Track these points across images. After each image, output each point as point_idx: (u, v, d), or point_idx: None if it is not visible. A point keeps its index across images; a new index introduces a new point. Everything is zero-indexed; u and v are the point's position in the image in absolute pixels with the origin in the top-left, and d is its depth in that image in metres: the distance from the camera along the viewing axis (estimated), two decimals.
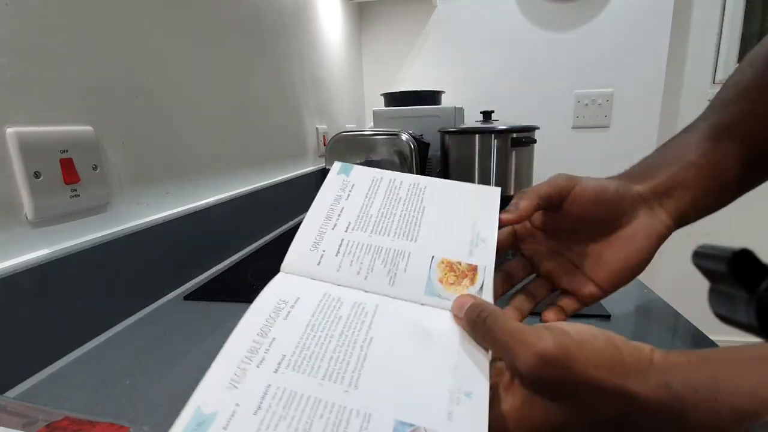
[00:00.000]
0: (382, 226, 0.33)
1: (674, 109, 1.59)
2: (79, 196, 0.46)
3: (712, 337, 0.42)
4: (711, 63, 1.55)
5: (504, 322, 0.24)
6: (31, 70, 0.42)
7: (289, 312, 0.28)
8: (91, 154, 0.48)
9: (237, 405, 0.22)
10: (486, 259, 0.31)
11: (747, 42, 1.52)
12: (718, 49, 1.53)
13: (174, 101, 0.62)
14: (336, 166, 0.38)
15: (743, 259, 0.20)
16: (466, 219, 0.34)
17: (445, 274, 0.31)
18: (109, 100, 0.51)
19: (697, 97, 1.57)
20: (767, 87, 0.35)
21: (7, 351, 0.38)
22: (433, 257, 0.31)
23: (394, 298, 0.30)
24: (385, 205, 0.35)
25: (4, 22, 0.39)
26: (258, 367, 0.24)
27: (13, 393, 0.37)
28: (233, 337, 0.26)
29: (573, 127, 1.61)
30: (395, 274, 0.31)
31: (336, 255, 0.32)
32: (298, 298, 0.29)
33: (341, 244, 0.32)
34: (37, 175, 0.41)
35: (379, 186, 0.36)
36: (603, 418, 0.21)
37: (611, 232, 0.35)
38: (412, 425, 0.21)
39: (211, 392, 0.23)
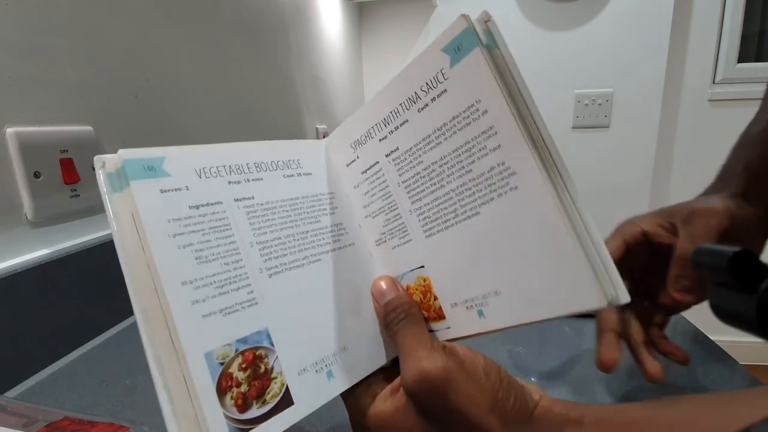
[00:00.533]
0: (418, 188, 0.25)
1: (674, 109, 1.59)
2: (79, 196, 0.46)
3: (712, 337, 0.42)
4: (711, 63, 1.55)
5: (410, 329, 0.24)
6: (31, 70, 0.42)
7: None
8: (91, 154, 0.47)
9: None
10: None
11: (747, 42, 1.52)
12: (718, 49, 1.53)
13: (174, 101, 0.62)
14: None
15: (743, 259, 0.20)
16: None
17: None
18: (109, 100, 0.51)
19: (697, 97, 1.57)
20: None
21: (7, 351, 0.38)
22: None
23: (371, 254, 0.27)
24: (446, 163, 0.23)
25: (4, 22, 0.39)
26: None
27: (13, 393, 0.37)
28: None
29: (573, 127, 1.61)
30: (386, 242, 0.27)
31: (362, 173, 0.27)
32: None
33: (373, 167, 0.26)
34: (37, 175, 0.41)
35: (464, 127, 0.23)
36: None
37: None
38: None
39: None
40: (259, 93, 0.89)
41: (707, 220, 0.32)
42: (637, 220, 0.35)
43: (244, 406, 0.21)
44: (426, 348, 0.22)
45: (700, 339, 0.42)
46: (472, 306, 0.24)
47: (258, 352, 0.22)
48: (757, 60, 1.55)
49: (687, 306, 0.33)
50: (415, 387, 0.21)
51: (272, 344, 0.22)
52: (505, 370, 0.22)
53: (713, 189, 0.38)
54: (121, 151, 0.21)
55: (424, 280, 0.25)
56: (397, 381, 0.24)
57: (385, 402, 0.23)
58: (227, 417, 0.20)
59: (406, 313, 0.25)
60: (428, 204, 0.24)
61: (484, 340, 0.24)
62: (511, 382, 0.22)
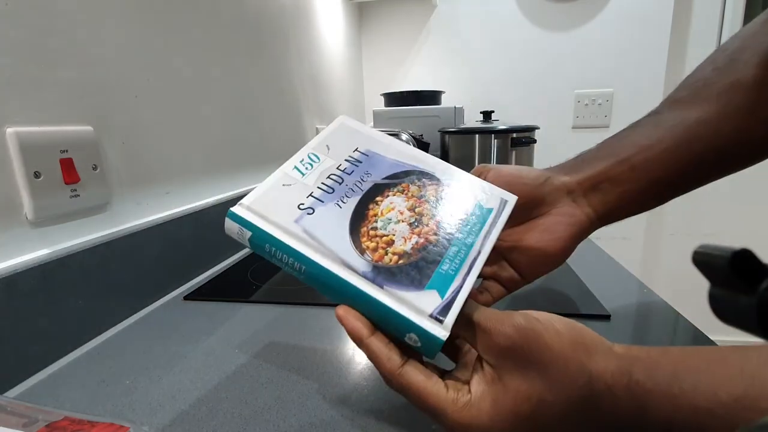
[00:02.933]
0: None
1: None
2: (79, 196, 0.46)
3: (712, 337, 0.42)
4: None
5: (479, 308, 0.26)
6: (31, 70, 0.42)
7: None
8: (91, 154, 0.48)
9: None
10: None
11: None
12: None
13: (174, 101, 0.62)
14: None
15: (743, 259, 0.20)
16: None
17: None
18: (109, 100, 0.51)
19: None
20: (725, 93, 0.35)
21: (7, 351, 0.38)
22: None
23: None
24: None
25: (4, 22, 0.39)
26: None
27: (13, 393, 0.37)
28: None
29: (573, 127, 1.61)
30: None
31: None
32: None
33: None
34: (37, 175, 0.41)
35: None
36: (568, 393, 0.22)
37: (531, 219, 0.36)
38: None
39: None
40: (259, 93, 0.89)
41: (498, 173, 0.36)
42: (498, 167, 0.37)
43: None
44: (500, 314, 0.24)
45: (700, 339, 0.42)
46: None
47: None
48: None
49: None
50: (514, 341, 0.23)
51: None
52: (575, 321, 0.24)
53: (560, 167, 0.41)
54: None
55: None
56: (471, 373, 0.25)
57: (477, 388, 0.24)
58: None
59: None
60: None
61: None
62: (578, 325, 0.24)
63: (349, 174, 0.32)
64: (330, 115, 1.35)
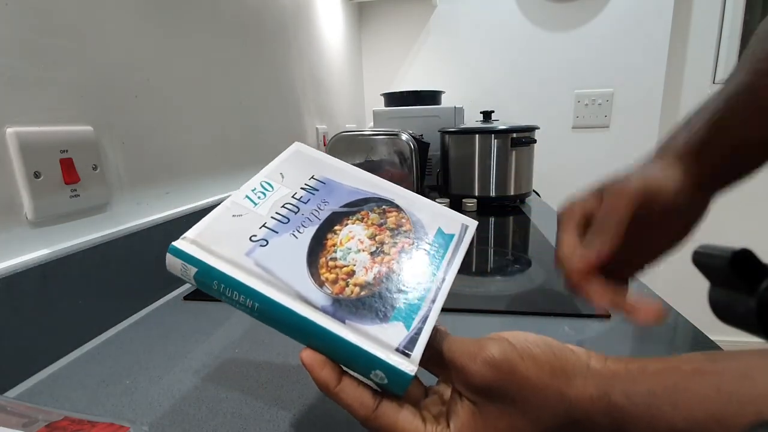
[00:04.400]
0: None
1: (674, 109, 1.59)
2: (79, 196, 0.46)
3: (712, 337, 0.42)
4: (711, 63, 1.55)
5: (448, 340, 0.25)
6: (31, 70, 0.42)
7: None
8: (91, 154, 0.48)
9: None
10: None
11: (747, 42, 1.52)
12: (718, 49, 1.53)
13: (174, 101, 0.62)
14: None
15: (743, 259, 0.20)
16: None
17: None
18: (109, 100, 0.51)
19: (697, 97, 1.57)
20: None
21: (7, 351, 0.38)
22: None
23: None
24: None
25: (4, 22, 0.39)
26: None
27: (13, 393, 0.37)
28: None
29: (573, 127, 1.61)
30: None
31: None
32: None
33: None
34: (37, 175, 0.41)
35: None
36: (547, 424, 0.21)
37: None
38: None
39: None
40: (259, 93, 0.89)
41: (620, 198, 0.35)
42: (576, 201, 0.38)
43: None
44: (473, 344, 0.23)
45: (700, 339, 0.42)
46: None
47: None
48: None
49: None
50: (487, 377, 0.22)
51: None
52: (550, 338, 0.24)
53: (657, 153, 0.41)
54: None
55: None
56: (448, 405, 0.25)
57: (455, 421, 0.23)
58: None
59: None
60: None
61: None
62: (554, 344, 0.23)
63: (305, 203, 0.30)
64: (330, 115, 1.35)
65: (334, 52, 1.38)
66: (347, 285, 0.26)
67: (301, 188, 0.31)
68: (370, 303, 0.25)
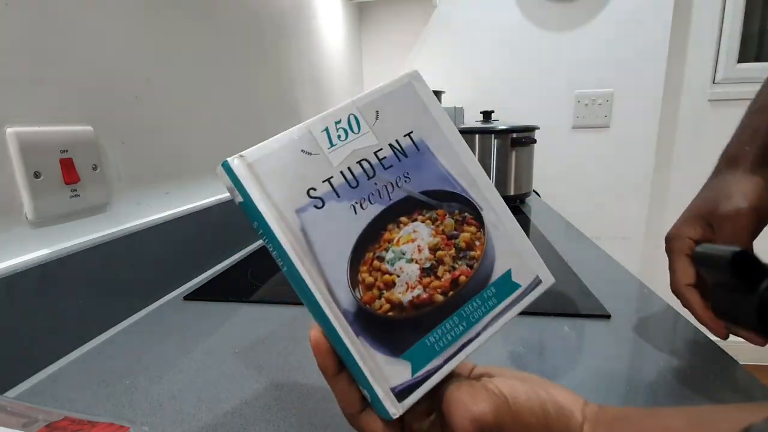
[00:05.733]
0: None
1: (674, 109, 1.59)
2: (79, 196, 0.46)
3: (712, 337, 0.42)
4: (711, 63, 1.55)
5: (450, 387, 0.23)
6: (31, 70, 0.42)
7: None
8: (91, 154, 0.48)
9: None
10: None
11: (747, 42, 1.52)
12: (718, 49, 1.53)
13: (174, 101, 0.62)
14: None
15: (743, 259, 0.20)
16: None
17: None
18: (109, 100, 0.51)
19: (697, 97, 1.57)
20: None
21: (7, 351, 0.38)
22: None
23: None
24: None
25: (4, 22, 0.39)
26: None
27: (13, 393, 0.37)
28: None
29: (573, 127, 1.61)
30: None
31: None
32: None
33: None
34: (37, 175, 0.41)
35: None
36: None
37: None
38: None
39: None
40: (259, 93, 0.89)
41: (736, 222, 0.34)
42: (684, 232, 0.37)
43: None
44: (467, 393, 0.22)
45: (700, 339, 0.42)
46: None
47: None
48: (757, 60, 1.54)
49: None
50: None
51: None
52: (545, 395, 0.23)
53: (727, 163, 0.39)
54: None
55: None
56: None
57: None
58: None
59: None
60: None
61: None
62: (549, 402, 0.22)
63: (386, 168, 0.25)
64: None
65: (334, 52, 1.38)
66: (380, 296, 0.23)
67: (390, 144, 0.25)
68: (391, 328, 0.23)
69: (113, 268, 0.49)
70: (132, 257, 0.51)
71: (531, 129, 1.08)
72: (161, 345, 0.44)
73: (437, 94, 1.39)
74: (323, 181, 0.23)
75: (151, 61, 0.58)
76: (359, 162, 0.24)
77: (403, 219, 0.24)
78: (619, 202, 1.59)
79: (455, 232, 0.25)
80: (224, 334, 0.46)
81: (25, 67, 0.41)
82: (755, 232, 0.35)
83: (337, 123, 0.25)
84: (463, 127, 1.13)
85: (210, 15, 0.71)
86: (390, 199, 0.24)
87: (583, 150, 1.61)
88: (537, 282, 0.26)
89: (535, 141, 1.08)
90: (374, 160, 0.25)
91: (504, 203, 0.27)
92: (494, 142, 1.05)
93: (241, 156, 0.23)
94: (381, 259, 0.24)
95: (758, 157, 0.37)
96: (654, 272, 1.73)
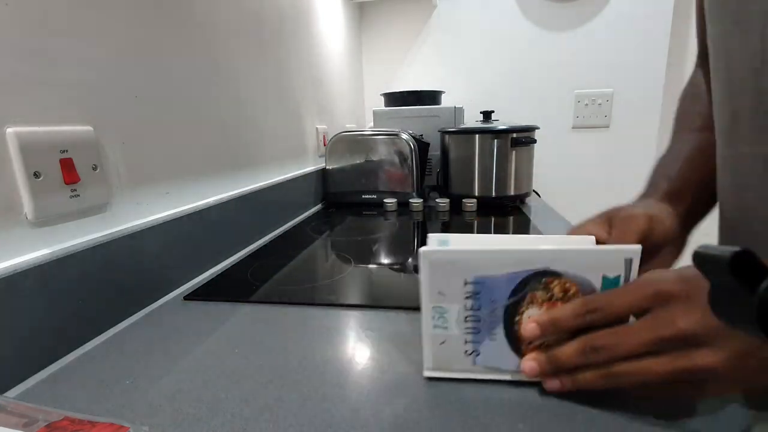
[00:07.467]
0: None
1: (674, 109, 1.59)
2: (79, 196, 0.46)
3: None
4: None
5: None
6: (31, 70, 0.42)
7: None
8: (91, 154, 0.48)
9: None
10: None
11: None
12: None
13: (174, 101, 0.62)
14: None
15: (743, 259, 0.20)
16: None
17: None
18: (109, 100, 0.51)
19: None
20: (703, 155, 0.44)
21: (7, 351, 0.38)
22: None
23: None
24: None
25: (4, 22, 0.39)
26: None
27: (13, 393, 0.37)
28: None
29: (573, 127, 1.61)
30: None
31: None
32: None
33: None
34: (37, 175, 0.41)
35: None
36: None
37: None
38: None
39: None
40: (259, 92, 0.89)
41: (630, 223, 0.38)
42: (584, 225, 0.41)
43: None
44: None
45: None
46: None
47: None
48: None
49: None
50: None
51: None
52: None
53: (644, 195, 0.47)
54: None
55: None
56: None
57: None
58: None
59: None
60: None
61: None
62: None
63: (478, 309, 0.34)
64: (330, 115, 1.35)
65: (334, 52, 1.38)
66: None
67: (466, 298, 0.34)
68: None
69: (113, 268, 0.49)
70: (132, 257, 0.51)
71: (531, 129, 1.08)
72: (161, 345, 0.44)
73: (437, 93, 1.39)
74: (465, 344, 0.35)
75: (151, 61, 0.58)
76: (465, 320, 0.34)
77: (517, 318, 0.33)
78: (618, 202, 1.59)
79: (549, 295, 0.33)
80: (224, 334, 0.46)
81: (25, 67, 0.41)
82: (649, 237, 0.37)
83: (433, 318, 0.35)
84: (463, 127, 1.13)
85: (210, 15, 0.71)
86: (500, 318, 0.34)
87: (583, 150, 1.61)
88: (629, 262, 0.31)
89: (535, 141, 1.08)
90: (470, 313, 0.34)
91: (557, 239, 0.37)
92: (494, 142, 1.05)
93: (428, 368, 0.36)
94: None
95: (667, 193, 0.44)
96: None
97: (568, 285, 0.32)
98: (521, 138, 1.05)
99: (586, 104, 1.57)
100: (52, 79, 0.44)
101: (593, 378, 0.30)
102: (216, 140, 0.73)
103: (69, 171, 0.44)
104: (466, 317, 0.34)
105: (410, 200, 1.06)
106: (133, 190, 0.55)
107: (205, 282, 0.61)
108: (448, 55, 1.64)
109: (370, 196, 1.11)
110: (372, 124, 1.34)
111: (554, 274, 0.32)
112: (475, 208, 1.04)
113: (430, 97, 1.36)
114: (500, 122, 1.12)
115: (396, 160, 1.09)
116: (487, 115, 1.16)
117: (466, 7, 1.58)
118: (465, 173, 1.10)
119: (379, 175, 1.10)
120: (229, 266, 0.68)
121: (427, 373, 0.36)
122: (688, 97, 0.53)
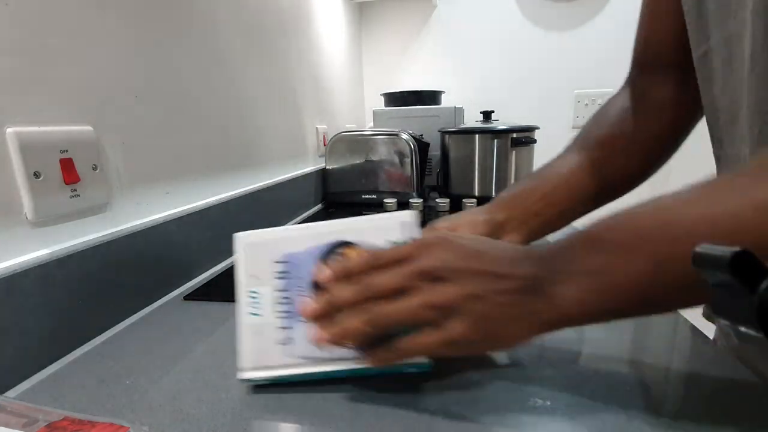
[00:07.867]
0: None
1: None
2: (79, 196, 0.46)
3: (711, 337, 0.42)
4: None
5: None
6: (31, 70, 0.42)
7: None
8: (91, 154, 0.48)
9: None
10: None
11: None
12: None
13: (174, 101, 0.62)
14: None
15: (743, 259, 0.20)
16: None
17: None
18: (109, 100, 0.51)
19: None
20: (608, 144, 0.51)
21: (7, 351, 0.38)
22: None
23: None
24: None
25: (4, 22, 0.39)
26: None
27: (13, 393, 0.37)
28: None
29: (573, 127, 1.61)
30: None
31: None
32: None
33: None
34: (37, 175, 0.41)
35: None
36: None
37: None
38: None
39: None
40: (259, 92, 0.89)
41: (472, 228, 0.44)
42: (437, 226, 0.45)
43: None
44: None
45: (699, 339, 0.42)
46: None
47: None
48: None
49: None
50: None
51: None
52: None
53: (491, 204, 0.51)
54: None
55: None
56: None
57: None
58: None
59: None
60: None
61: None
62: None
63: (289, 290, 0.34)
64: (330, 115, 1.35)
65: (334, 51, 1.38)
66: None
67: (276, 278, 0.35)
68: None
69: (113, 268, 0.49)
70: (132, 257, 0.51)
71: (531, 129, 1.08)
72: (161, 345, 0.44)
73: (437, 93, 1.39)
74: (277, 331, 0.35)
75: (151, 61, 0.58)
76: (276, 303, 0.35)
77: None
78: (618, 202, 1.59)
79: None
80: (224, 334, 0.46)
81: (25, 67, 0.41)
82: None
83: (249, 304, 0.35)
84: (463, 127, 1.13)
85: (210, 14, 0.71)
86: (307, 294, 0.35)
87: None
88: (407, 225, 0.35)
89: (535, 141, 1.08)
90: (280, 294, 0.35)
91: (351, 219, 0.36)
92: (494, 142, 1.05)
93: (242, 369, 0.35)
94: None
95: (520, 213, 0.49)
96: None
97: (362, 252, 0.34)
98: (521, 138, 1.05)
99: (586, 104, 1.57)
100: (52, 79, 0.44)
101: (358, 323, 0.30)
102: (216, 140, 0.73)
103: (69, 171, 0.44)
104: (278, 300, 0.34)
105: (410, 200, 1.06)
106: (133, 190, 0.55)
107: (205, 282, 0.61)
108: (448, 55, 1.64)
109: (370, 196, 1.11)
110: (372, 124, 1.34)
111: (349, 245, 0.34)
112: None
113: (430, 97, 1.36)
114: (500, 122, 1.12)
115: (396, 160, 1.09)
116: (487, 115, 1.16)
117: (465, 7, 1.58)
118: (465, 173, 1.10)
119: (379, 175, 1.10)
120: (230, 266, 0.68)
121: (243, 375, 0.34)
122: (593, 119, 0.56)
